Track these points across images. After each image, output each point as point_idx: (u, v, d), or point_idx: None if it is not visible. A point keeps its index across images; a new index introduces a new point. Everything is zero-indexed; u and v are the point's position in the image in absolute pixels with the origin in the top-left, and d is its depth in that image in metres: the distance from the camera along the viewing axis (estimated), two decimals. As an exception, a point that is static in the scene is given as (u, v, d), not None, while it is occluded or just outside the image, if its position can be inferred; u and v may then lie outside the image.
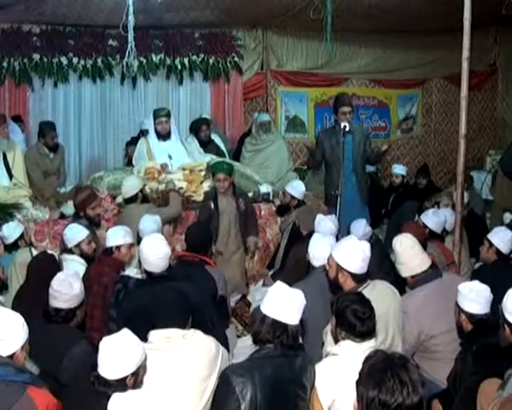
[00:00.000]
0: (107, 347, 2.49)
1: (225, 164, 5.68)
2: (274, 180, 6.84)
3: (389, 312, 3.34)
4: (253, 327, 2.61)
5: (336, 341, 2.83)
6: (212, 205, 5.43)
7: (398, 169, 7.20)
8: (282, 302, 2.59)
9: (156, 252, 3.59)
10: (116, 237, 4.27)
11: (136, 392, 2.26)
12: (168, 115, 6.40)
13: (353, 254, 3.32)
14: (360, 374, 2.04)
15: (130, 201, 5.39)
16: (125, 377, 2.47)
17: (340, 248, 3.42)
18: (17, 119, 6.90)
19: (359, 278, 3.34)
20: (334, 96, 6.33)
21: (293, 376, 2.50)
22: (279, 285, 2.69)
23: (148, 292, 3.28)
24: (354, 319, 2.70)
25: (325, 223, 4.73)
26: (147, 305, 3.00)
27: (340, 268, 3.35)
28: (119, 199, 5.83)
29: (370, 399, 1.95)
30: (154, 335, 2.82)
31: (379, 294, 3.30)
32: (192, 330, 2.87)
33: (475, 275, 4.28)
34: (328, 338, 3.11)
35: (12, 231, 4.86)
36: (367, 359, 2.08)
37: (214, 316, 3.57)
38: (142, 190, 5.42)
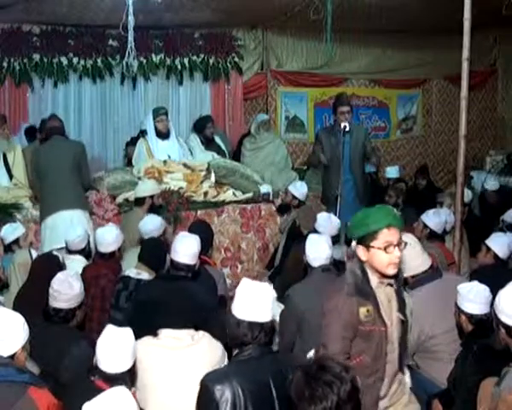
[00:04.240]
0: (106, 342, 2.52)
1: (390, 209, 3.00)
2: (273, 179, 6.85)
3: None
4: (229, 333, 2.54)
5: None
6: (367, 308, 2.63)
7: (391, 173, 7.22)
8: (254, 302, 2.51)
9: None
10: (118, 240, 4.35)
11: (110, 393, 2.24)
12: (167, 114, 6.57)
13: None
14: (293, 400, 2.06)
15: (137, 203, 5.40)
16: (129, 370, 2.52)
17: None
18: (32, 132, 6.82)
19: None
20: (334, 96, 6.36)
21: (276, 373, 2.46)
22: (245, 284, 2.57)
23: (161, 288, 3.34)
24: None
25: (330, 220, 4.74)
26: (158, 300, 3.03)
27: None
28: (119, 199, 5.83)
29: None
30: (164, 333, 2.83)
31: None
32: (201, 332, 2.89)
33: (474, 276, 4.28)
34: None
35: (9, 232, 4.87)
36: (290, 384, 2.10)
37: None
38: (152, 197, 5.39)
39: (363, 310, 2.60)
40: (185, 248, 3.68)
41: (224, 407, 2.33)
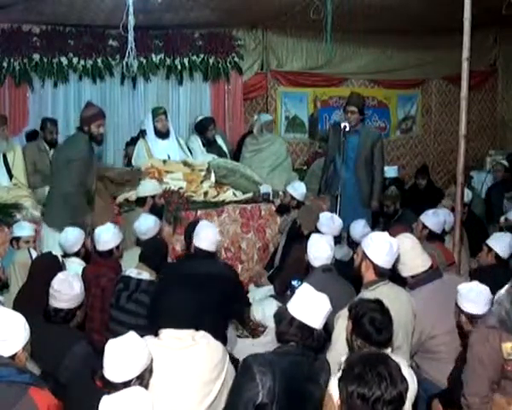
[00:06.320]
0: (113, 349, 2.47)
1: None
2: (274, 179, 6.84)
3: (401, 315, 3.23)
4: (280, 327, 2.63)
5: (350, 347, 2.79)
6: None
7: (390, 173, 7.24)
8: (311, 306, 2.60)
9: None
10: (115, 237, 4.35)
11: (127, 391, 2.25)
12: (166, 113, 6.57)
13: (380, 246, 3.32)
14: (342, 371, 2.08)
15: (138, 203, 5.39)
16: (130, 381, 2.45)
17: (370, 237, 3.45)
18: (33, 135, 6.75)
19: (381, 272, 3.33)
20: (334, 96, 6.35)
21: (310, 375, 2.53)
22: (307, 287, 2.68)
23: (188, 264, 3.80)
24: (371, 327, 2.62)
25: (333, 220, 4.75)
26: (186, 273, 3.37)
27: (365, 257, 3.37)
28: (120, 199, 5.83)
29: (350, 393, 1.98)
30: (165, 333, 2.82)
31: (395, 295, 3.29)
32: (202, 332, 2.88)
33: (474, 276, 4.28)
34: (339, 323, 3.12)
35: (18, 228, 4.87)
36: (347, 358, 2.11)
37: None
38: (153, 197, 5.37)
39: (507, 346, 2.31)
40: (210, 236, 4.04)
41: (263, 390, 2.40)
